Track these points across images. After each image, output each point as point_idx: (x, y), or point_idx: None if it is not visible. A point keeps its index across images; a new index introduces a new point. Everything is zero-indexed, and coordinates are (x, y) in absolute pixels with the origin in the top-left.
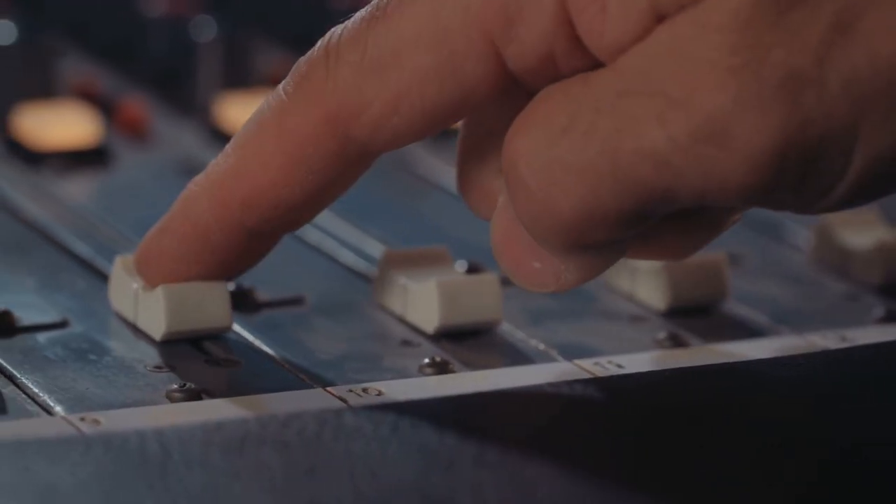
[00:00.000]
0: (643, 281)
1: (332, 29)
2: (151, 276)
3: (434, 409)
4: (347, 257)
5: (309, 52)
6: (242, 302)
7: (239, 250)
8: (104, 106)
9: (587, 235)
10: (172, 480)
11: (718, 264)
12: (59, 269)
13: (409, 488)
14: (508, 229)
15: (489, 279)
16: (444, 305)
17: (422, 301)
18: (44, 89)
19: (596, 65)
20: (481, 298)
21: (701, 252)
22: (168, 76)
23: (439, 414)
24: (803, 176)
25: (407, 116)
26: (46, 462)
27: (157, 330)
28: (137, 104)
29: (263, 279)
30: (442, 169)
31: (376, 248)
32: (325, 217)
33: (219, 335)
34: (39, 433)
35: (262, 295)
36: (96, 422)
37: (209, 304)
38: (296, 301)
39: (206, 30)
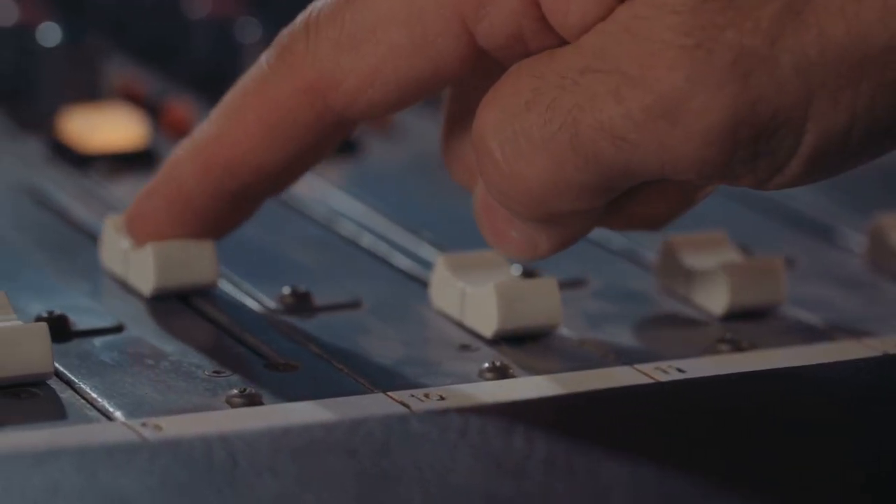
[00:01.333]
0: (700, 285)
1: (313, 3)
2: (140, 235)
3: (500, 415)
4: (401, 261)
5: (290, 25)
6: (299, 306)
7: (222, 213)
8: (150, 107)
9: (552, 206)
10: (241, 488)
11: (776, 268)
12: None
13: (480, 495)
14: (488, 201)
15: (548, 283)
16: (503, 309)
17: (480, 305)
18: (89, 91)
19: (563, 43)
20: (540, 302)
21: (758, 255)
22: (212, 77)
23: (506, 419)
24: (756, 152)
25: (382, 89)
26: (114, 469)
27: (147, 286)
28: (183, 106)
29: (319, 283)
30: None
31: (429, 252)
32: (379, 222)
33: (206, 291)
34: (102, 439)
35: (319, 299)
36: (158, 427)
37: (197, 260)
38: (352, 305)
39: (250, 31)
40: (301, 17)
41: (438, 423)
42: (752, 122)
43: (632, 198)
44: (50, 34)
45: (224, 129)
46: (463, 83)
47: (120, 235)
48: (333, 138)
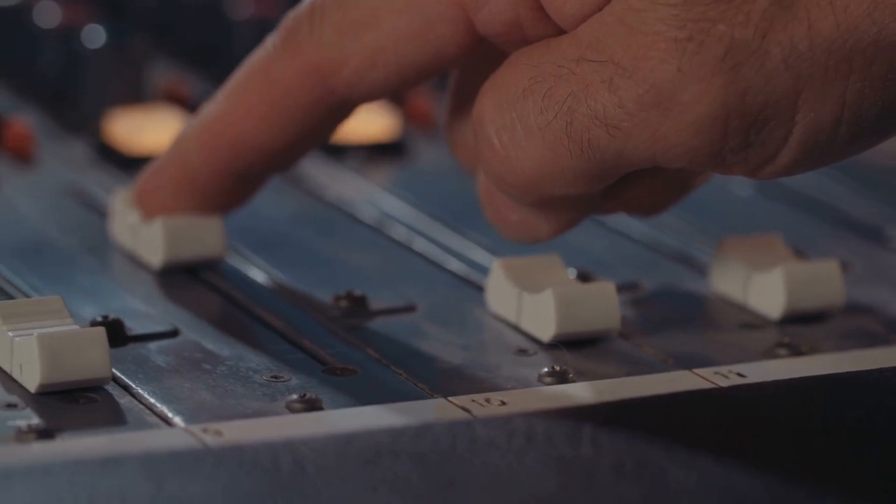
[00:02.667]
0: (756, 288)
1: None
2: (148, 210)
3: (565, 420)
4: (454, 265)
5: (296, 8)
6: (355, 310)
7: (227, 190)
8: (194, 109)
9: (548, 191)
10: (310, 495)
11: (832, 270)
12: (164, 277)
13: (551, 501)
14: (489, 184)
15: (605, 287)
16: (561, 314)
17: (538, 309)
18: (134, 93)
19: (560, 32)
20: (598, 306)
21: (813, 259)
22: None
23: (571, 424)
24: (747, 142)
25: (383, 72)
26: (180, 476)
27: (156, 259)
28: None
29: (374, 287)
30: None
31: (481, 256)
32: (429, 225)
33: (214, 265)
34: (165, 445)
35: (374, 303)
36: (218, 433)
37: (205, 234)
38: (408, 309)
39: None
40: (306, 1)
41: (504, 428)
42: (742, 112)
43: (628, 184)
44: (94, 36)
45: (228, 108)
46: (465, 68)
47: (128, 210)
48: (335, 120)
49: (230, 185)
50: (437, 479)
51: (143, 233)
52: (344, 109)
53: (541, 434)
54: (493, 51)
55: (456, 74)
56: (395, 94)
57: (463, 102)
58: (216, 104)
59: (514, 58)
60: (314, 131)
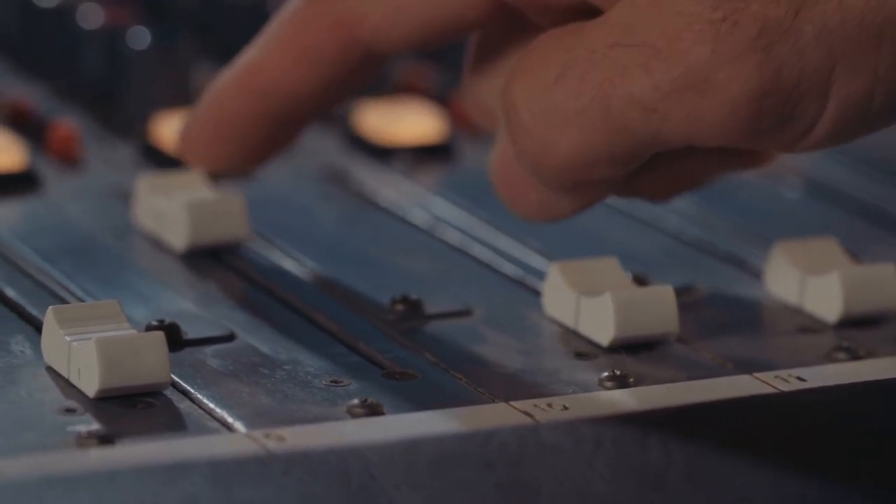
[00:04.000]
0: (812, 292)
1: None
2: (189, 158)
3: (632, 425)
4: (508, 268)
5: None
6: (411, 314)
7: (261, 137)
8: None
9: (582, 175)
10: (381, 501)
11: (889, 275)
12: (220, 281)
13: None
14: (507, 163)
15: (664, 291)
16: (620, 318)
17: (596, 313)
18: (180, 95)
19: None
20: (656, 310)
21: (869, 262)
22: None
23: (639, 429)
24: (781, 119)
25: (405, 28)
26: (248, 483)
27: (180, 242)
28: None
29: (429, 291)
30: None
31: (534, 259)
32: (480, 228)
33: (236, 247)
34: (228, 451)
35: (430, 307)
36: (281, 438)
37: (228, 216)
38: (464, 313)
39: None
40: None
41: (571, 434)
42: (776, 90)
43: (651, 167)
44: (139, 37)
45: (261, 57)
46: (487, 31)
47: (153, 194)
48: (363, 71)
49: (267, 131)
50: (507, 485)
51: (166, 216)
52: (372, 62)
53: (608, 440)
54: (514, 14)
55: (477, 37)
56: (440, 95)
57: (483, 64)
58: (249, 53)
59: (544, 42)
60: (345, 79)
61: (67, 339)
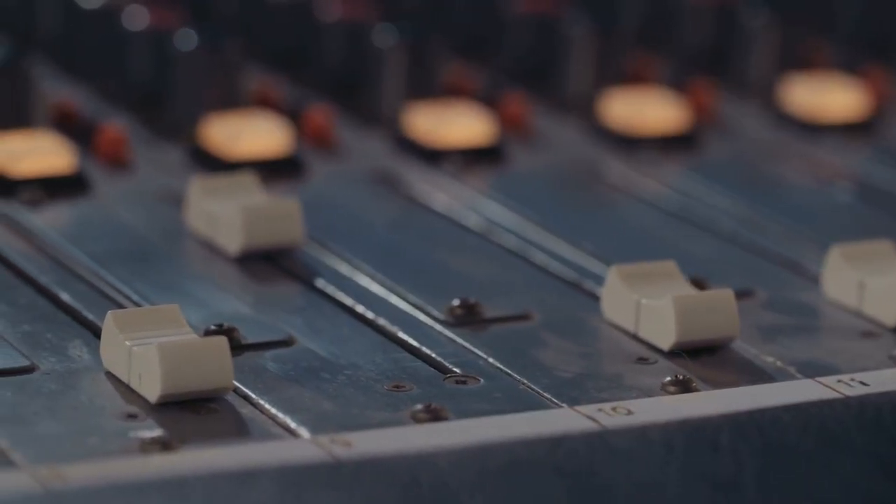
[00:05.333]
0: (871, 296)
1: None
2: None
3: (701, 430)
4: (566, 272)
5: None
6: (469, 318)
7: None
8: (289, 114)
9: None
10: None
11: None
12: (276, 285)
13: None
14: None
15: (725, 295)
16: (682, 322)
17: (657, 317)
18: (228, 98)
19: None
20: (717, 314)
21: None
22: (346, 84)
23: (707, 434)
24: None
25: None
26: (319, 490)
27: (234, 246)
28: (323, 112)
29: (486, 295)
30: (633, 178)
31: (589, 262)
32: (534, 231)
33: (290, 251)
34: (296, 458)
35: (489, 311)
36: (347, 444)
37: (283, 220)
38: (522, 317)
39: (385, 37)
40: None
41: (640, 439)
42: None
43: None
44: (186, 39)
45: None
46: None
47: (205, 197)
48: None
49: None
50: (581, 491)
51: (220, 219)
52: None
53: (679, 444)
54: None
55: None
56: (489, 97)
57: None
58: None
59: None
60: None
61: (128, 343)
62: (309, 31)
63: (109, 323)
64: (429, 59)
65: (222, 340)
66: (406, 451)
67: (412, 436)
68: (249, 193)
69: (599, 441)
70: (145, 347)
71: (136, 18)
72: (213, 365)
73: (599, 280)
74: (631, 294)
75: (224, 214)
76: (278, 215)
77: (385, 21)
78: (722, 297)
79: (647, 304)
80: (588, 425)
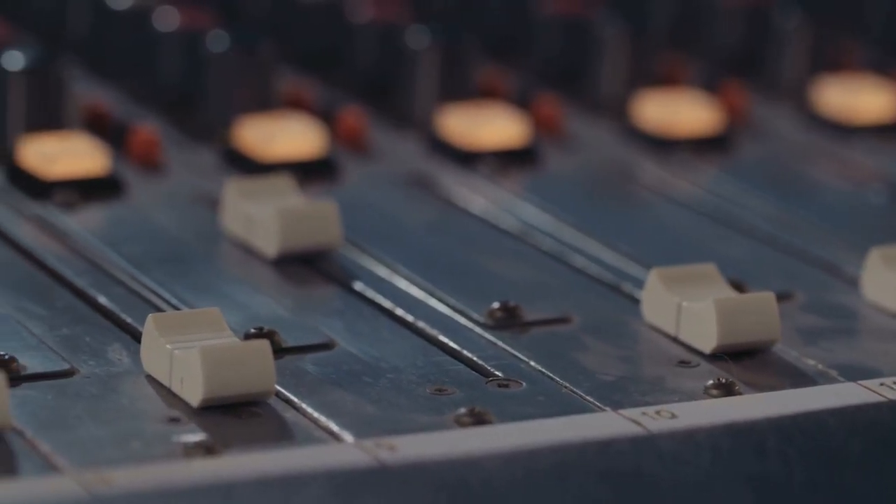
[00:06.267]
0: None
1: None
2: None
3: (748, 433)
4: (604, 275)
5: None
6: (509, 321)
7: None
8: (322, 116)
9: None
10: None
11: None
12: (314, 287)
13: None
14: None
15: (766, 297)
16: (723, 325)
17: (698, 320)
18: (261, 100)
19: None
20: (759, 317)
21: None
22: (378, 85)
23: (754, 438)
24: None
25: None
26: (368, 494)
27: (271, 248)
28: (356, 114)
29: (525, 298)
30: (667, 179)
31: (627, 265)
32: (573, 234)
33: (328, 253)
34: (344, 462)
35: (529, 314)
36: (392, 448)
37: (321, 222)
38: (563, 320)
39: (418, 38)
40: None
41: (687, 442)
42: None
43: None
44: (218, 41)
45: None
46: None
47: (241, 199)
48: None
49: None
50: (631, 495)
51: (257, 222)
52: None
53: (726, 448)
54: None
55: None
56: (522, 99)
57: None
58: None
59: None
60: None
61: (169, 347)
62: (340, 33)
63: (150, 326)
64: (462, 60)
65: (265, 344)
66: (452, 455)
67: (457, 440)
68: (286, 195)
69: (647, 445)
70: (187, 351)
71: (167, 19)
72: (255, 369)
73: (637, 282)
74: (672, 297)
75: (261, 217)
76: (316, 217)
77: (416, 22)
78: (763, 299)
79: (689, 306)
80: (633, 429)
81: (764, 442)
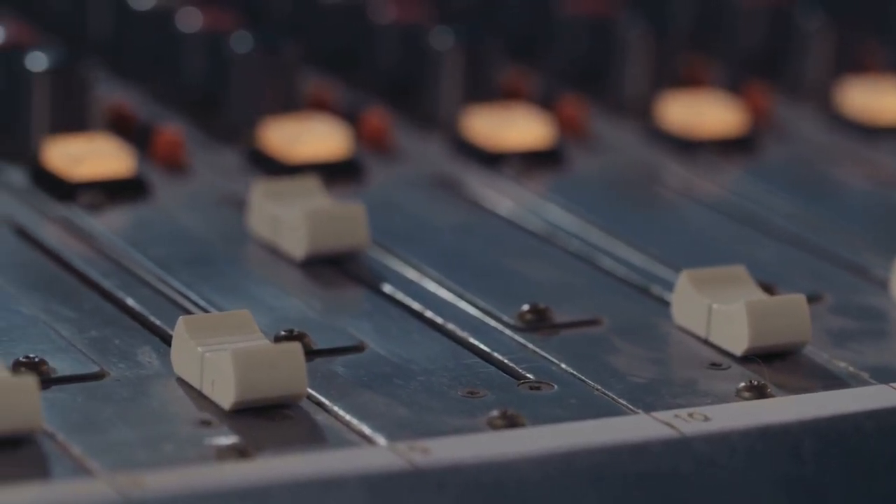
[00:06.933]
0: None
1: None
2: None
3: (784, 436)
4: (633, 276)
5: None
6: (539, 323)
7: None
8: (346, 117)
9: None
10: None
11: None
12: (343, 289)
13: None
14: None
15: (797, 300)
16: (755, 327)
17: (729, 322)
18: (285, 101)
19: None
20: (790, 319)
21: None
22: (401, 86)
23: (789, 441)
24: None
25: None
26: (404, 498)
27: (299, 251)
28: (380, 116)
29: (555, 300)
30: (692, 180)
31: (653, 266)
32: (598, 235)
33: (355, 255)
34: (378, 465)
35: (558, 316)
36: (425, 451)
37: (348, 224)
38: (593, 322)
39: (442, 39)
40: None
41: (722, 445)
42: None
43: None
44: (242, 42)
45: None
46: None
47: (268, 201)
48: None
49: None
50: (664, 499)
51: (284, 223)
52: None
53: (762, 452)
54: None
55: None
56: (545, 100)
57: None
58: None
59: None
60: None
61: (200, 350)
62: (362, 33)
63: (181, 329)
64: (486, 61)
65: (296, 346)
66: (487, 458)
67: (492, 442)
68: (313, 197)
69: (683, 447)
70: (218, 354)
71: (190, 20)
72: (287, 371)
73: (666, 284)
74: (702, 299)
75: (288, 218)
76: (344, 219)
77: (437, 23)
78: (794, 301)
79: (719, 309)
80: (667, 432)
81: (800, 445)
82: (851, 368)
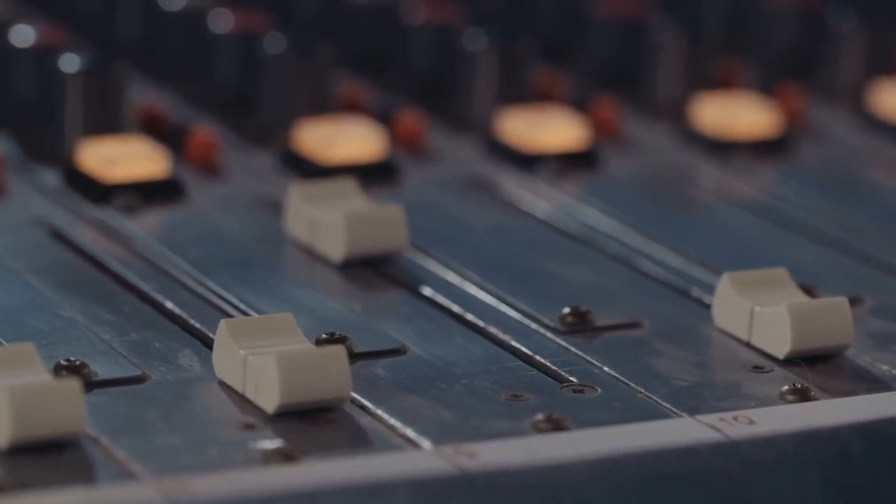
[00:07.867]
0: None
1: None
2: None
3: (830, 439)
4: (673, 279)
5: None
6: (580, 325)
7: None
8: (377, 118)
9: None
10: None
11: None
12: (382, 292)
13: None
14: None
15: (839, 302)
16: (797, 330)
17: (772, 325)
18: (319, 102)
19: None
20: (832, 322)
21: None
22: (434, 88)
23: (837, 444)
24: None
25: None
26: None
27: (337, 253)
28: (414, 117)
29: (595, 303)
30: (727, 182)
31: (692, 268)
32: (639, 238)
33: (394, 257)
34: (422, 469)
35: (599, 319)
36: (472, 455)
37: (387, 226)
38: (634, 325)
39: (475, 40)
40: None
41: (769, 449)
42: None
43: None
44: (275, 43)
45: None
46: None
47: (305, 203)
48: None
49: None
50: (715, 503)
51: (322, 226)
52: None
53: (812, 456)
54: None
55: None
56: (579, 102)
57: None
58: None
59: None
60: None
61: (242, 353)
62: (394, 34)
63: (223, 332)
64: (519, 62)
65: (340, 349)
66: (534, 462)
67: (539, 446)
68: (351, 199)
69: (732, 451)
70: (262, 357)
71: (222, 21)
72: (331, 374)
73: (706, 286)
74: (744, 301)
75: (326, 221)
76: (382, 221)
77: (470, 23)
78: (836, 304)
79: (761, 311)
80: (713, 435)
81: (848, 448)
82: (894, 371)
